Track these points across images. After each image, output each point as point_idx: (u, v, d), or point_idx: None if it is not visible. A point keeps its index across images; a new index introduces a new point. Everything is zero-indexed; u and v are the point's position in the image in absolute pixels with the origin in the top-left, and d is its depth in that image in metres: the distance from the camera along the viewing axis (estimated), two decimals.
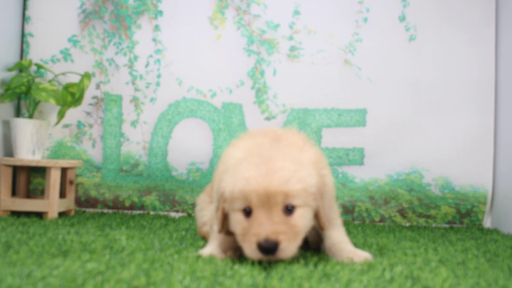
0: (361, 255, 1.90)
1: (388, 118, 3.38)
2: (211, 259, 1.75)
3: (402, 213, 3.37)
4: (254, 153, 1.85)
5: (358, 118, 3.39)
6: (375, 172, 3.39)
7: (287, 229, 1.70)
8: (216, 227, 1.88)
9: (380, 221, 3.38)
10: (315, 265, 1.74)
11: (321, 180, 1.86)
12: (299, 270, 1.63)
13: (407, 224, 3.36)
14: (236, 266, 1.65)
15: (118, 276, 1.39)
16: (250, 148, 1.94)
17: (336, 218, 2.04)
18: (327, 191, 1.92)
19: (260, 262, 1.73)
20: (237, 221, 1.76)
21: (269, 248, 1.65)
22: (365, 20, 3.41)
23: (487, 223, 3.39)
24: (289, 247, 1.69)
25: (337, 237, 1.99)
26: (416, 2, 3.40)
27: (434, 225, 3.37)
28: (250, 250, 1.69)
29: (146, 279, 1.38)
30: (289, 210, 1.73)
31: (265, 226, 1.68)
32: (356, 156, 3.39)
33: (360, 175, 3.39)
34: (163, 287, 1.33)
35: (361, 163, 3.40)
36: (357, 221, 3.37)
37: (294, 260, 1.83)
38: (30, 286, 1.28)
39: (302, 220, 1.75)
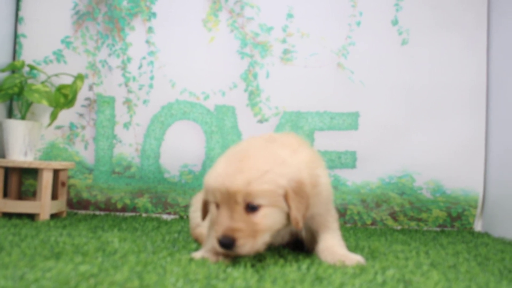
0: (353, 259, 1.91)
1: (380, 121, 3.40)
2: (203, 262, 1.75)
3: (393, 216, 3.38)
4: (237, 149, 1.89)
5: (351, 121, 3.40)
6: (367, 175, 3.40)
7: (247, 227, 1.74)
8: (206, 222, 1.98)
9: (372, 224, 3.39)
10: (308, 268, 1.74)
11: (313, 180, 1.87)
12: (291, 273, 1.63)
13: (399, 228, 3.37)
14: (229, 269, 1.65)
15: (111, 279, 1.39)
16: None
17: (333, 222, 2.04)
18: (321, 192, 1.93)
19: (252, 265, 1.75)
20: (211, 212, 1.86)
21: (226, 244, 1.72)
22: (358, 23, 3.42)
23: (477, 226, 3.40)
24: (246, 245, 1.73)
25: (331, 240, 1.99)
26: (409, 6, 3.42)
27: (425, 228, 3.38)
28: (214, 242, 1.78)
29: (139, 282, 1.38)
30: (252, 208, 1.75)
31: (225, 223, 1.74)
32: (348, 159, 3.40)
33: (352, 178, 3.40)
34: None
35: (353, 166, 3.41)
36: (348, 224, 3.38)
37: (286, 263, 1.84)
38: None
39: (266, 220, 1.77)
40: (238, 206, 1.75)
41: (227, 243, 1.72)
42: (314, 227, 2.02)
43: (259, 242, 1.76)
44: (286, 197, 1.78)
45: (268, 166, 1.77)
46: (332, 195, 2.07)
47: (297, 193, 1.79)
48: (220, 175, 1.78)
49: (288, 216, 1.81)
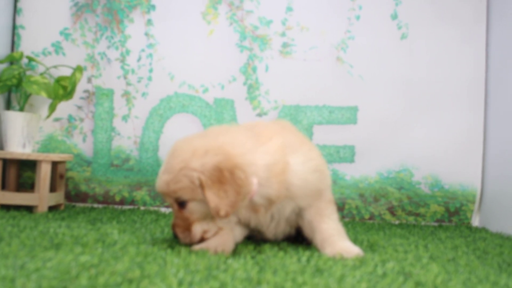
0: (352, 252, 1.91)
1: (379, 116, 3.40)
2: (203, 253, 1.75)
3: (391, 211, 3.39)
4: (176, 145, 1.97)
5: (349, 115, 3.40)
6: (365, 169, 3.40)
7: (182, 222, 1.89)
8: None
9: (370, 218, 3.39)
10: (308, 260, 1.74)
11: (279, 167, 1.87)
12: (292, 265, 1.63)
13: (397, 222, 3.38)
14: (230, 261, 1.65)
15: (112, 269, 1.39)
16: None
17: (326, 208, 2.01)
18: (290, 180, 1.90)
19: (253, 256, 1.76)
20: None
21: (175, 237, 1.93)
22: (358, 17, 3.42)
23: (475, 221, 3.41)
24: (186, 237, 1.89)
25: (328, 231, 1.97)
26: (408, 0, 3.42)
27: (423, 223, 3.39)
28: None
29: (140, 272, 1.38)
30: (182, 204, 1.86)
31: (173, 219, 1.93)
32: (346, 154, 3.40)
33: (350, 172, 3.40)
34: (157, 280, 1.32)
35: (352, 160, 3.41)
36: (347, 218, 3.39)
37: (286, 254, 1.84)
38: (24, 278, 1.27)
39: (193, 214, 1.86)
40: (174, 204, 1.88)
41: (175, 237, 1.92)
42: (308, 217, 2.00)
43: (194, 233, 1.88)
44: (202, 187, 1.80)
45: (183, 162, 1.82)
46: (322, 183, 2.01)
47: (216, 180, 1.78)
48: (157, 176, 1.92)
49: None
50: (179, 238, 1.90)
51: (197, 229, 1.87)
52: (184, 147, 1.87)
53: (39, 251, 1.66)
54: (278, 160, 1.88)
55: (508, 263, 1.99)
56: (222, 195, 1.77)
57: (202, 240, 1.89)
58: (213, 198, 1.78)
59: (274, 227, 2.03)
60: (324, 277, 1.48)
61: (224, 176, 1.78)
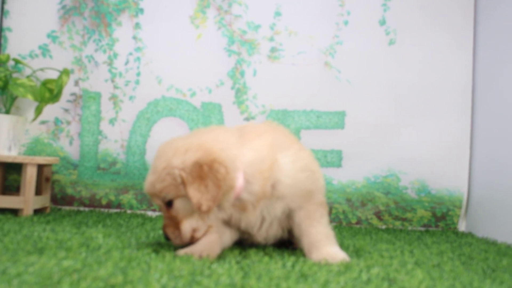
0: (337, 258, 1.90)
1: (366, 121, 3.41)
2: (188, 258, 1.74)
3: (378, 215, 3.39)
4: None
5: (337, 120, 3.41)
6: (352, 174, 3.41)
7: (171, 221, 1.90)
8: None
9: (357, 223, 3.40)
10: (293, 266, 1.74)
11: (267, 164, 1.88)
12: (276, 270, 1.63)
13: (383, 227, 3.39)
14: (214, 266, 1.64)
15: (95, 274, 1.38)
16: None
17: (315, 211, 1.98)
18: (278, 178, 1.90)
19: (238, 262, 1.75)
20: None
21: (167, 239, 1.92)
22: (346, 23, 3.43)
23: (461, 226, 3.42)
24: (177, 237, 1.90)
25: (316, 235, 1.96)
26: (396, 6, 3.43)
27: (410, 228, 3.40)
28: None
29: (123, 277, 1.37)
30: (169, 203, 1.88)
31: (163, 219, 1.93)
32: (334, 158, 3.41)
33: (337, 177, 3.41)
34: (140, 285, 1.32)
35: (339, 165, 3.41)
36: (334, 223, 3.39)
37: (271, 260, 1.83)
38: (5, 283, 1.26)
39: (179, 212, 1.88)
40: (162, 204, 1.90)
41: (166, 238, 1.92)
42: (297, 219, 1.98)
43: (184, 232, 1.88)
44: (184, 184, 1.82)
45: (166, 162, 1.86)
46: (312, 184, 1.99)
47: (196, 176, 1.80)
48: (146, 178, 1.93)
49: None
50: (171, 239, 1.90)
51: (186, 227, 1.88)
52: (167, 148, 1.90)
53: (22, 256, 1.65)
54: (265, 157, 1.89)
55: (492, 269, 2.00)
56: (203, 190, 1.79)
57: (192, 240, 1.89)
58: (195, 193, 1.79)
59: (265, 230, 2.00)
60: (309, 283, 1.47)
61: (204, 171, 1.80)
